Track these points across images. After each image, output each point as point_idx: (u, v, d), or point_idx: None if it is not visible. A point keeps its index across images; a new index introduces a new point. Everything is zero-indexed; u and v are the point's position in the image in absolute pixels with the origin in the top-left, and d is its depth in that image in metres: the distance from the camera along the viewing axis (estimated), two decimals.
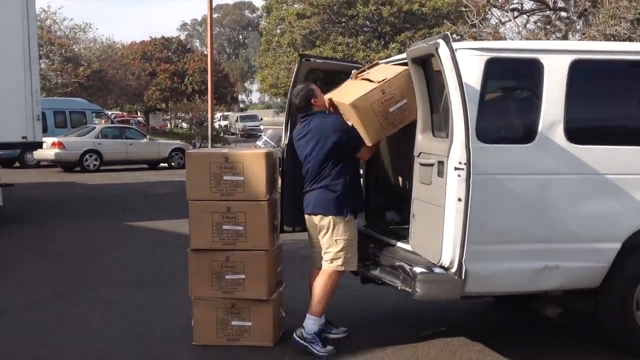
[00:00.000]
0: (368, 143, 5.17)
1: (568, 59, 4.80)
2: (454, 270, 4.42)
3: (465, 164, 4.27)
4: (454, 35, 20.94)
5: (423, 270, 4.56)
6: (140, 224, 11.40)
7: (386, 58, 7.29)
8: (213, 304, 5.26)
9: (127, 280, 7.49)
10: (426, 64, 4.79)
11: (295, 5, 37.83)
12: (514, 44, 6.57)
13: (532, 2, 20.51)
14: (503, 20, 20.82)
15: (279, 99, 60.53)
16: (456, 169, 4.33)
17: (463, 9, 20.70)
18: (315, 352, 5.02)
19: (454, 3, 30.52)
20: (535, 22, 21.94)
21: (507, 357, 5.06)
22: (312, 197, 5.17)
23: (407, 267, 4.74)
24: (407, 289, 4.70)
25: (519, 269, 4.70)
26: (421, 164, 4.81)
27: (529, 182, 4.69)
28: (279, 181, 5.59)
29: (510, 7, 20.52)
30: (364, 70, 5.48)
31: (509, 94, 5.27)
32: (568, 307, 5.02)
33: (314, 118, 5.18)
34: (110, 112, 38.44)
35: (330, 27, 35.59)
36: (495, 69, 4.68)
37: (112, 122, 27.76)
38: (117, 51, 47.35)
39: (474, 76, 4.59)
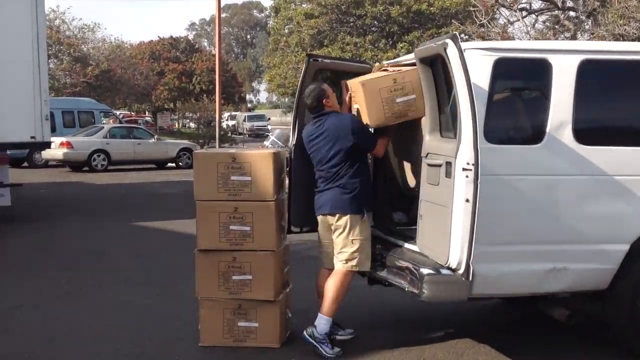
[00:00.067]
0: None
1: (577, 59, 4.78)
2: (461, 271, 4.40)
3: (473, 164, 4.25)
4: (462, 35, 20.89)
5: (430, 271, 4.55)
6: (147, 224, 11.42)
7: (394, 58, 7.28)
8: (220, 305, 5.25)
9: (135, 280, 7.49)
10: (434, 64, 4.78)
11: (303, 5, 37.77)
12: (522, 44, 6.54)
13: (540, 1, 20.43)
14: (511, 20, 20.74)
15: (286, 99, 60.47)
16: (464, 169, 4.31)
17: (471, 8, 20.64)
18: (324, 352, 5.01)
19: (462, 3, 30.42)
20: (544, 22, 21.86)
21: None
22: (327, 197, 5.16)
23: (414, 268, 4.73)
24: (414, 290, 4.69)
25: (526, 270, 4.68)
26: (429, 165, 4.80)
27: (537, 183, 4.67)
28: (287, 181, 5.58)
29: (519, 7, 20.44)
30: (387, 67, 5.51)
31: (517, 94, 5.25)
32: (576, 308, 4.99)
33: (329, 118, 5.17)
34: (118, 112, 38.55)
35: (339, 27, 35.52)
36: (503, 69, 4.66)
37: (120, 122, 27.81)
38: (126, 51, 47.45)
39: (482, 76, 4.57)
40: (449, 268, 4.49)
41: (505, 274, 4.65)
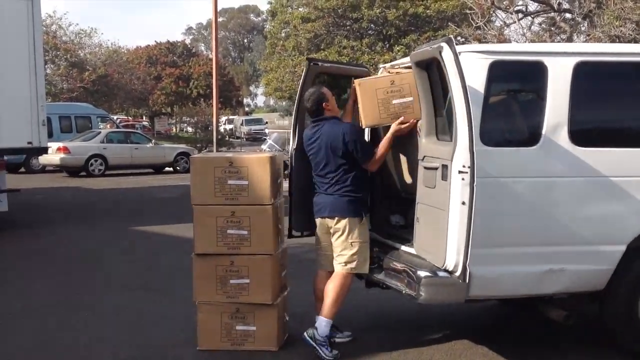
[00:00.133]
0: (362, 124, 5.27)
1: (572, 61, 4.79)
2: (458, 273, 4.41)
3: (469, 167, 4.26)
4: (459, 38, 20.95)
5: (427, 274, 4.55)
6: (145, 228, 11.42)
7: (391, 61, 7.30)
8: (217, 309, 5.25)
9: (132, 284, 7.49)
10: (430, 68, 4.79)
11: (300, 9, 37.86)
12: (518, 47, 6.57)
13: (536, 3, 20.46)
14: (508, 22, 20.78)
15: (284, 103, 60.56)
16: (460, 172, 4.32)
17: (468, 11, 20.67)
18: (323, 355, 5.02)
19: (458, 5, 30.44)
20: (540, 24, 21.89)
21: None
22: (326, 200, 5.18)
23: (411, 270, 4.74)
24: (411, 292, 4.69)
25: (523, 272, 4.69)
26: (425, 168, 4.81)
27: (533, 185, 4.68)
28: (284, 185, 5.59)
29: (515, 9, 20.47)
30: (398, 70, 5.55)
31: (513, 97, 5.26)
32: (573, 309, 5.00)
33: (325, 124, 5.18)
34: (115, 117, 38.53)
35: (335, 31, 35.60)
36: (499, 71, 4.68)
37: (118, 127, 27.83)
38: (123, 56, 47.54)
39: (477, 79, 4.58)
40: (446, 270, 4.49)
41: (502, 276, 4.65)
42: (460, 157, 4.33)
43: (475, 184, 4.24)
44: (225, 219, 5.18)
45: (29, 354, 5.29)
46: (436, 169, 4.61)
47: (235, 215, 5.18)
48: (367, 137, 5.79)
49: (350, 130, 5.12)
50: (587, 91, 4.90)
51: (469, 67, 4.50)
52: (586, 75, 4.83)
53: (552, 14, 20.23)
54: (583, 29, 19.50)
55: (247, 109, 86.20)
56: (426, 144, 4.86)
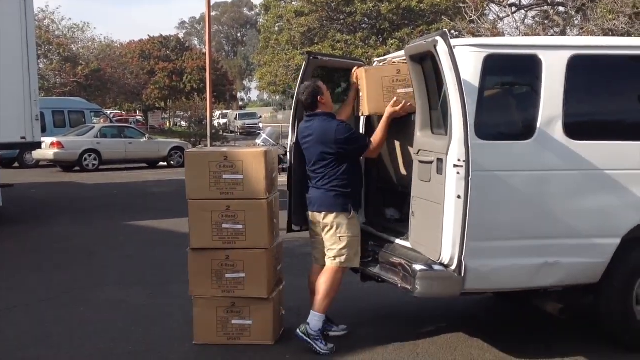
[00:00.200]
0: (365, 112, 5.33)
1: (566, 54, 4.80)
2: (453, 267, 4.42)
3: (464, 161, 4.27)
4: (453, 31, 20.95)
5: (423, 267, 4.56)
6: (139, 223, 11.40)
7: (384, 54, 7.31)
8: (213, 303, 5.26)
9: (127, 279, 7.48)
10: (425, 61, 4.79)
11: (293, 3, 37.75)
12: (512, 40, 6.58)
13: None
14: (501, 16, 20.83)
15: (277, 97, 60.49)
16: (455, 166, 4.33)
17: (461, 5, 20.70)
18: (318, 349, 5.03)
19: None
20: (534, 18, 21.92)
21: (507, 354, 5.06)
22: (316, 195, 5.19)
23: (406, 264, 4.75)
24: (407, 286, 4.71)
25: (518, 265, 4.70)
26: (420, 162, 4.81)
27: (528, 179, 4.69)
28: (279, 180, 5.59)
29: (509, 3, 20.51)
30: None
31: (508, 91, 5.27)
32: (568, 302, 5.02)
33: (317, 120, 5.18)
34: (109, 111, 38.47)
35: (329, 25, 35.52)
36: (493, 65, 4.68)
37: (111, 122, 27.76)
38: (116, 50, 47.38)
39: (472, 73, 4.59)
40: (441, 264, 4.50)
41: (497, 269, 4.67)
42: (455, 151, 4.34)
43: (470, 177, 4.26)
44: (220, 213, 5.18)
45: (26, 348, 5.28)
46: (431, 162, 4.62)
47: (231, 209, 5.18)
48: (362, 130, 5.81)
49: (342, 129, 5.11)
50: (582, 84, 4.92)
51: (464, 60, 4.50)
52: (580, 69, 4.84)
53: (546, 7, 20.27)
54: (576, 22, 19.54)
55: (240, 103, 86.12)
56: (421, 137, 4.87)
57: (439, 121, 4.77)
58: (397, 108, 5.13)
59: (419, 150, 4.84)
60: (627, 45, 5.47)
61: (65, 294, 6.90)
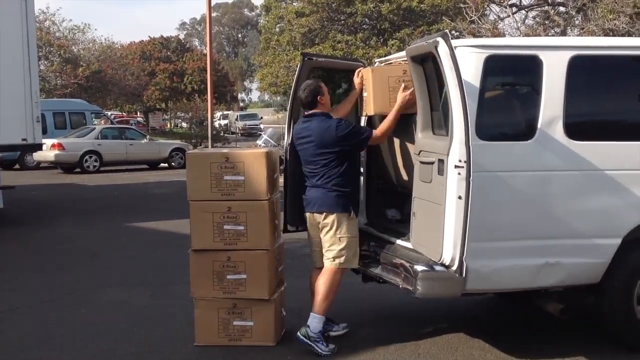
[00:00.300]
0: (370, 112, 5.32)
1: (567, 54, 4.80)
2: (454, 267, 4.43)
3: (465, 161, 4.27)
4: (453, 32, 20.96)
5: (424, 268, 4.57)
6: (141, 224, 11.41)
7: (385, 55, 7.31)
8: (214, 304, 5.26)
9: (129, 281, 7.49)
10: (426, 62, 4.80)
11: (294, 4, 37.73)
12: (513, 41, 6.59)
13: None
14: (502, 16, 20.83)
15: (278, 98, 60.43)
16: (456, 167, 4.34)
17: (462, 5, 20.69)
18: (319, 351, 5.02)
19: None
20: (534, 18, 21.91)
21: (508, 354, 5.06)
22: (315, 195, 5.18)
23: (408, 265, 4.76)
24: (408, 287, 4.71)
25: (519, 265, 4.70)
26: (421, 162, 4.82)
27: (529, 179, 4.70)
28: (281, 180, 5.59)
29: (509, 3, 20.51)
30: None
31: (509, 91, 5.27)
32: (569, 303, 5.02)
33: (314, 120, 5.17)
34: (109, 113, 38.45)
35: (330, 25, 35.52)
36: (494, 66, 4.69)
37: (112, 123, 27.76)
38: (116, 51, 47.33)
39: (473, 73, 4.59)
40: (442, 264, 4.51)
41: (498, 270, 4.67)
42: (457, 152, 4.34)
43: (471, 178, 4.26)
44: (221, 214, 5.18)
45: (28, 350, 5.29)
46: (432, 163, 4.62)
47: (232, 210, 5.18)
48: None
49: (342, 126, 5.10)
50: (582, 85, 4.92)
51: (465, 61, 4.51)
52: (581, 69, 4.85)
53: (546, 7, 20.27)
54: (577, 22, 19.53)
55: (241, 104, 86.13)
56: (422, 138, 4.87)
57: (440, 122, 4.77)
58: (408, 92, 5.11)
59: (420, 151, 4.85)
60: (627, 45, 5.48)
61: (68, 295, 6.90)
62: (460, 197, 4.32)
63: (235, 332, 5.27)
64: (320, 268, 5.25)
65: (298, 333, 5.11)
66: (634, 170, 4.85)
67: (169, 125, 55.33)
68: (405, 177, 5.50)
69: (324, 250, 5.20)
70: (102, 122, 25.95)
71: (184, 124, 43.29)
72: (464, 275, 4.40)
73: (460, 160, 4.31)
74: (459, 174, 4.32)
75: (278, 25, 39.09)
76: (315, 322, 5.09)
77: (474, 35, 18.12)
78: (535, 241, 4.71)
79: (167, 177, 20.12)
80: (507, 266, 4.69)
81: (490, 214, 4.59)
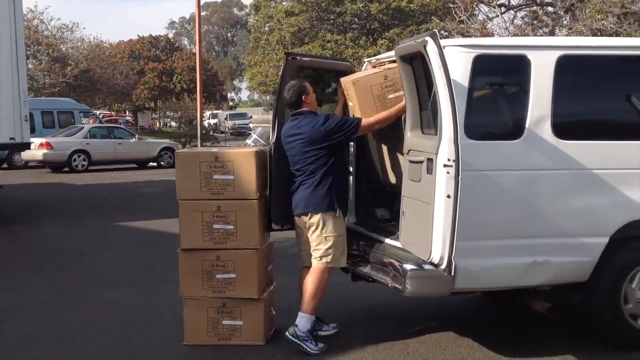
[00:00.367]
0: None
1: (555, 54, 4.83)
2: (443, 266, 4.44)
3: (454, 160, 4.29)
4: (442, 32, 21.01)
5: (413, 267, 4.58)
6: (130, 224, 11.37)
7: (375, 55, 7.32)
8: (204, 304, 5.25)
9: (118, 280, 7.47)
10: (414, 62, 4.81)
11: (283, 3, 37.80)
12: (502, 41, 6.61)
13: None
14: (490, 16, 20.91)
15: (268, 97, 60.44)
16: (445, 165, 4.35)
17: (451, 5, 20.77)
18: (308, 350, 5.03)
19: None
20: (523, 18, 22.03)
21: (497, 352, 5.08)
22: (300, 196, 5.17)
23: (397, 264, 4.77)
24: (397, 285, 4.72)
25: (508, 264, 4.72)
26: (410, 161, 4.83)
27: (517, 178, 4.72)
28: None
29: (498, 3, 20.60)
30: (383, 64, 5.54)
31: (497, 91, 5.29)
32: (557, 301, 5.05)
33: (305, 118, 5.16)
34: (98, 112, 38.32)
35: (319, 25, 35.60)
36: (482, 65, 4.71)
37: (101, 122, 27.69)
38: (105, 50, 47.21)
39: (461, 73, 4.61)
40: (431, 263, 4.52)
41: (487, 268, 4.69)
42: (445, 151, 4.35)
43: (460, 177, 4.27)
44: (211, 213, 5.18)
45: (19, 350, 5.26)
46: (421, 162, 4.63)
47: (221, 210, 5.18)
48: (352, 144, 5.78)
49: (330, 119, 5.09)
50: (570, 85, 4.94)
51: (453, 61, 4.52)
52: (569, 69, 4.87)
53: (535, 7, 20.36)
54: (565, 22, 19.65)
55: (231, 103, 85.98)
56: (411, 137, 4.88)
57: (429, 121, 4.79)
58: None
59: (409, 150, 4.86)
60: (615, 45, 5.51)
61: (55, 295, 6.87)
62: (449, 196, 4.33)
63: (224, 331, 5.27)
64: (309, 267, 5.26)
65: (286, 333, 5.11)
66: (621, 169, 4.88)
67: (158, 125, 55.19)
68: (394, 176, 5.51)
69: (311, 250, 5.21)
70: (91, 121, 25.90)
71: (173, 123, 43.26)
72: (452, 274, 4.41)
73: (449, 159, 4.33)
74: (448, 173, 4.33)
75: (267, 24, 39.13)
76: (303, 321, 5.10)
77: (463, 35, 18.19)
78: (524, 240, 4.74)
79: (156, 176, 20.06)
80: (496, 265, 4.71)
81: (478, 213, 4.61)
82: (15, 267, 8.28)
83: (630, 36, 15.10)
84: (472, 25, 19.12)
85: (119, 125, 28.85)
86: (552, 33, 18.83)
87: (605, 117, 5.21)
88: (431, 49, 4.34)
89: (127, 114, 55.51)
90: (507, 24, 20.26)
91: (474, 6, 20.94)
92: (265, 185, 5.44)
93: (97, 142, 22.35)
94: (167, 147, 24.03)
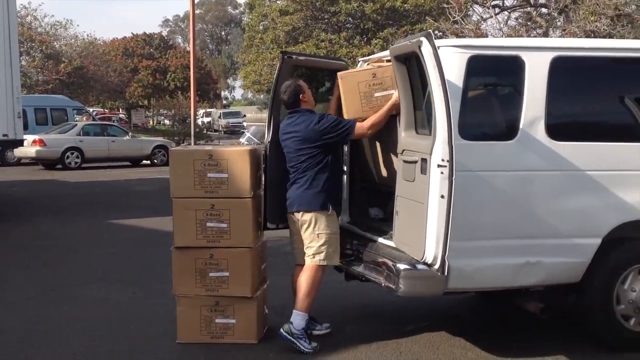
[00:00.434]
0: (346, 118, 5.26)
1: (549, 55, 4.84)
2: (436, 266, 4.45)
3: (447, 161, 4.30)
4: (436, 32, 21.05)
5: (406, 266, 4.59)
6: (123, 221, 11.35)
7: (369, 54, 7.33)
8: (197, 302, 5.25)
9: (111, 278, 7.45)
10: (409, 62, 4.82)
11: (278, 2, 37.73)
12: (496, 41, 6.63)
13: None
14: (485, 16, 20.95)
15: (262, 96, 60.35)
16: (439, 166, 4.36)
17: (445, 5, 20.80)
18: (302, 348, 5.03)
19: (436, 0, 30.57)
20: (517, 19, 22.08)
21: (489, 352, 5.09)
22: (293, 194, 5.19)
23: (390, 263, 4.78)
24: (390, 285, 4.73)
25: (501, 264, 4.74)
26: (404, 161, 4.83)
27: (511, 179, 4.73)
28: (263, 178, 5.59)
29: (492, 4, 20.64)
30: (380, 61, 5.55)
31: (491, 91, 5.31)
32: (550, 302, 5.06)
33: (301, 116, 5.18)
34: (91, 109, 38.21)
35: (313, 24, 35.55)
36: (477, 66, 4.71)
37: (94, 119, 27.60)
38: (99, 48, 47.14)
39: (456, 73, 4.61)
40: (424, 263, 4.53)
41: (480, 269, 4.70)
42: (439, 151, 4.36)
43: (454, 177, 4.28)
44: (204, 211, 5.17)
45: (7, 346, 5.25)
46: (415, 162, 4.64)
47: (215, 208, 5.17)
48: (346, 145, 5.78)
49: (324, 119, 5.11)
50: (564, 86, 4.96)
51: (448, 61, 4.53)
52: (563, 70, 4.89)
53: (529, 8, 20.42)
54: (559, 24, 19.70)
55: (224, 101, 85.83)
56: (405, 137, 4.89)
57: (423, 121, 4.80)
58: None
59: (404, 150, 4.87)
60: (608, 47, 5.53)
61: (49, 291, 6.85)
62: (442, 196, 4.34)
63: (217, 329, 5.27)
64: (302, 265, 5.26)
65: (281, 330, 5.11)
66: (614, 170, 4.90)
67: (151, 123, 55.04)
68: (388, 175, 5.52)
69: (304, 248, 5.21)
70: (84, 118, 25.79)
71: (167, 121, 43.23)
72: (445, 273, 4.43)
73: (442, 160, 4.33)
74: (442, 173, 4.34)
75: (262, 23, 39.04)
76: (298, 319, 5.10)
77: (457, 36, 18.22)
78: (517, 240, 4.75)
79: (149, 174, 20.02)
80: (489, 265, 4.72)
81: (472, 213, 4.62)
82: (6, 263, 8.25)
83: (624, 38, 15.15)
84: (466, 26, 19.15)
85: (112, 123, 28.77)
86: (545, 34, 18.88)
87: (599, 119, 5.23)
88: (426, 49, 4.35)
89: (121, 111, 55.36)
90: (501, 25, 20.32)
91: (468, 7, 20.98)
92: (260, 184, 5.44)
93: (91, 140, 22.30)
94: (160, 145, 23.98)
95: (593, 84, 5.16)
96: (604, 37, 15.41)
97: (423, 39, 4.36)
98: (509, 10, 21.58)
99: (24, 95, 22.58)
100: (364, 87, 5.15)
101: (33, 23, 39.99)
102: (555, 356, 5.03)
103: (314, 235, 5.12)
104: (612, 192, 4.86)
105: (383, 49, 23.85)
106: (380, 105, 5.14)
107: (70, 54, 41.32)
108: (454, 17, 19.08)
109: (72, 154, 21.76)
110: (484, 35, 19.42)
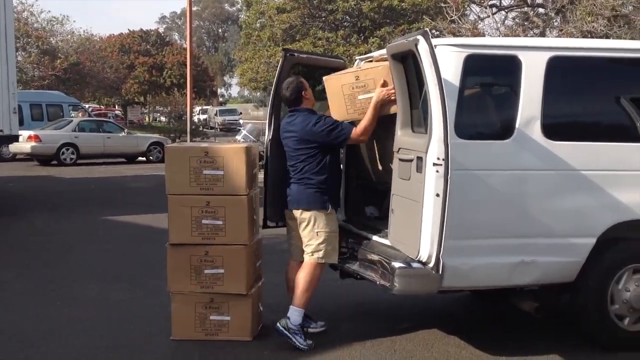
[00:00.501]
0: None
1: (545, 55, 4.85)
2: (431, 265, 4.45)
3: (443, 159, 4.30)
4: (433, 31, 21.02)
5: (401, 265, 4.59)
6: (118, 218, 11.33)
7: (366, 53, 7.33)
8: (192, 299, 5.25)
9: (105, 274, 7.44)
10: (406, 60, 4.82)
11: (275, 0, 37.70)
12: (493, 41, 6.63)
13: None
14: (482, 16, 20.96)
15: (258, 93, 60.30)
16: (434, 164, 4.36)
17: (442, 4, 20.78)
18: (297, 344, 5.03)
19: None
20: (514, 19, 22.09)
21: (483, 351, 5.10)
22: (293, 192, 5.19)
23: (385, 261, 4.78)
24: (385, 283, 4.73)
25: (495, 263, 4.74)
26: (400, 160, 4.84)
27: (507, 178, 4.74)
28: (259, 176, 5.58)
29: (489, 4, 20.64)
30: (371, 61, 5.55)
31: (488, 90, 5.32)
32: (544, 301, 5.07)
33: (299, 116, 5.18)
34: (87, 105, 38.14)
35: (310, 22, 35.52)
36: (473, 65, 4.72)
37: (90, 116, 27.56)
38: (95, 44, 46.98)
39: (452, 72, 4.62)
40: (419, 261, 4.53)
41: (474, 267, 4.71)
42: (435, 150, 4.37)
43: (449, 176, 4.29)
44: (200, 208, 5.17)
45: (7, 346, 5.23)
46: (411, 161, 4.64)
47: (211, 205, 5.17)
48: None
49: (322, 122, 5.11)
50: (560, 86, 4.97)
51: (445, 60, 4.53)
52: (559, 70, 4.90)
53: (526, 8, 20.43)
54: (556, 24, 19.71)
55: (221, 99, 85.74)
56: (401, 136, 4.89)
57: (420, 120, 4.80)
58: (385, 89, 5.03)
59: (399, 149, 4.87)
60: (605, 47, 5.54)
61: (43, 288, 6.84)
62: (438, 195, 4.34)
63: (212, 326, 5.27)
64: (298, 263, 5.27)
65: (278, 324, 5.12)
66: (610, 170, 4.91)
67: (147, 119, 54.96)
68: (384, 174, 5.52)
69: (303, 246, 5.22)
70: (80, 114, 25.76)
71: (163, 118, 43.06)
72: (440, 272, 4.43)
73: (438, 158, 4.34)
74: (437, 171, 4.35)
75: (259, 20, 38.98)
76: (295, 314, 5.11)
77: (454, 35, 18.23)
78: (512, 239, 4.76)
79: (145, 170, 20.00)
80: (484, 264, 4.73)
81: (467, 212, 4.62)
82: (3, 259, 8.23)
83: (620, 38, 15.18)
84: (464, 25, 19.16)
85: (108, 119, 28.78)
86: (542, 34, 18.90)
87: (595, 119, 5.24)
88: (422, 48, 4.35)
89: (117, 108, 55.25)
90: (498, 25, 20.32)
91: (466, 6, 21.00)
92: (255, 182, 5.44)
93: (86, 136, 22.26)
94: (156, 141, 23.93)
95: (589, 84, 5.17)
96: (600, 37, 15.43)
97: (420, 37, 4.36)
98: (506, 10, 21.59)
99: (20, 90, 22.54)
100: (348, 89, 5.15)
101: (29, 19, 39.86)
102: (549, 355, 5.04)
103: (313, 233, 5.13)
104: (607, 192, 4.87)
105: (380, 47, 23.84)
106: (364, 108, 5.12)
107: (66, 50, 41.21)
108: (451, 17, 19.07)
109: (68, 150, 21.74)
110: (481, 34, 19.43)
